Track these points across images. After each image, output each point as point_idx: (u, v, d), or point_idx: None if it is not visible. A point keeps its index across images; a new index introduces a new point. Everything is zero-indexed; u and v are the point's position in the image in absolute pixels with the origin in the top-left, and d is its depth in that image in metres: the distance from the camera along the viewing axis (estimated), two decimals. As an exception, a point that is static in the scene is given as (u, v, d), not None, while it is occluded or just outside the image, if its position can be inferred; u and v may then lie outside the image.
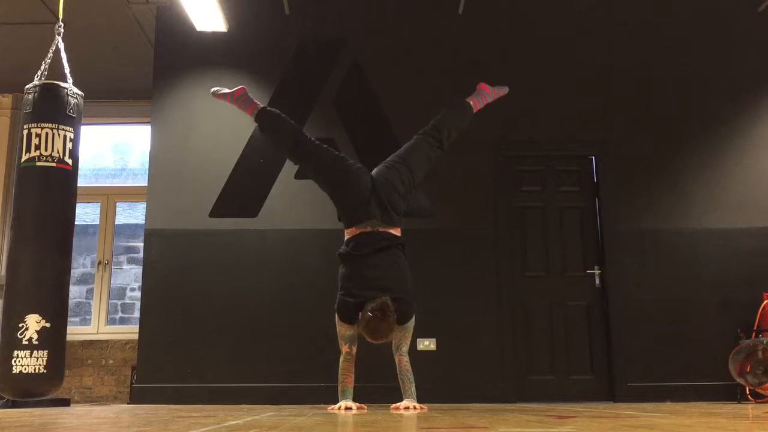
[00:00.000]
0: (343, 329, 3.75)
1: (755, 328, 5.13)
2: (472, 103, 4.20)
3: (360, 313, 3.60)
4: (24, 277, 4.57)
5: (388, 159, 4.07)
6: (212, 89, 4.31)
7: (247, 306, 5.31)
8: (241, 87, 4.19)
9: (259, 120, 4.12)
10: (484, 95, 4.25)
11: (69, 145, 4.73)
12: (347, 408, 3.65)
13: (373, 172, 3.98)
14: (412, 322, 3.76)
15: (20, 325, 4.46)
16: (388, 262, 3.72)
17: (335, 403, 3.76)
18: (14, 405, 4.42)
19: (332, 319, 3.80)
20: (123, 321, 7.84)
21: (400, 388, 3.74)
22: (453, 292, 5.31)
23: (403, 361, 3.74)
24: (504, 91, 4.34)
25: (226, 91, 4.21)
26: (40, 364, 4.45)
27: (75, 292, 7.36)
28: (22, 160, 4.67)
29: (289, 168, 5.54)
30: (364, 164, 5.43)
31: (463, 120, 4.18)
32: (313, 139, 4.07)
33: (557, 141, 5.64)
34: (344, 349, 3.77)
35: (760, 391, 4.88)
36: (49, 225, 4.63)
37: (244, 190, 5.52)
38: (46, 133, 4.66)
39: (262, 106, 4.14)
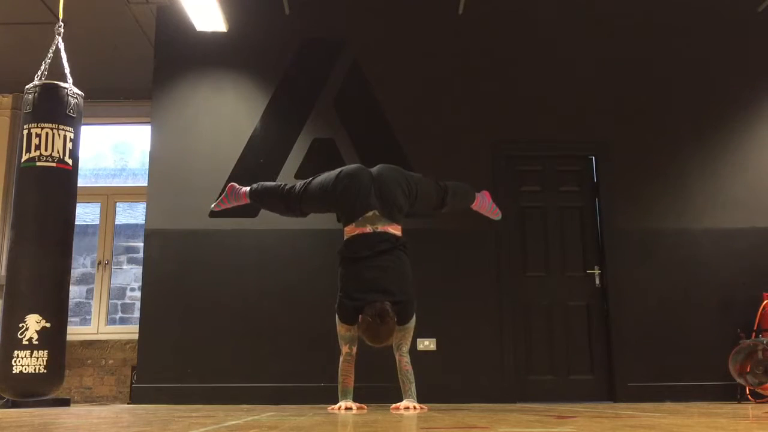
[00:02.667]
0: (343, 330, 3.75)
1: (755, 328, 5.13)
2: (476, 197, 4.37)
3: (360, 316, 3.60)
4: (24, 277, 4.57)
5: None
6: (211, 208, 4.42)
7: (247, 306, 5.31)
8: (229, 185, 4.32)
9: (253, 201, 4.24)
10: (485, 201, 4.43)
11: (69, 145, 4.73)
12: (347, 408, 3.65)
13: (375, 168, 3.98)
14: (412, 322, 3.76)
15: (20, 325, 4.47)
16: (388, 264, 3.69)
17: (335, 403, 3.76)
18: (14, 405, 4.42)
19: (332, 319, 3.80)
20: (123, 321, 7.84)
21: (401, 388, 3.74)
22: (453, 292, 5.30)
23: (403, 361, 3.74)
24: (497, 214, 4.51)
25: (220, 199, 4.33)
26: (40, 364, 4.45)
27: (75, 292, 7.35)
28: (22, 160, 4.68)
29: (289, 168, 5.55)
30: (363, 163, 5.46)
31: (463, 202, 4.35)
32: (296, 187, 4.05)
33: (557, 141, 5.64)
34: (344, 349, 3.77)
35: (760, 391, 4.88)
36: (49, 225, 4.63)
37: (244, 190, 5.51)
38: (46, 133, 4.66)
39: (247, 189, 4.23)
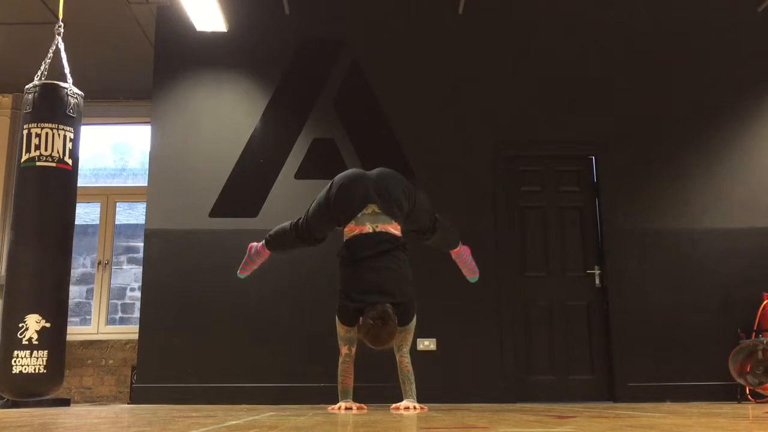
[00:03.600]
0: (342, 331, 3.74)
1: (755, 328, 5.13)
2: (460, 246, 4.36)
3: (361, 318, 3.58)
4: (24, 277, 4.57)
5: None
6: (238, 274, 4.38)
7: (247, 306, 5.31)
8: (249, 246, 4.34)
9: (271, 250, 4.26)
10: (466, 253, 4.42)
11: (69, 145, 4.73)
12: (347, 408, 3.65)
13: (373, 170, 3.97)
14: (413, 323, 3.74)
15: (20, 325, 4.46)
16: (388, 265, 3.67)
17: (335, 403, 3.76)
18: (14, 405, 4.42)
19: (332, 319, 3.79)
20: (123, 321, 7.85)
21: (401, 388, 3.74)
22: (453, 292, 5.29)
23: (404, 361, 3.73)
24: (474, 273, 4.49)
25: (243, 262, 4.33)
26: (40, 364, 4.45)
27: (75, 292, 7.36)
28: (22, 160, 4.67)
29: (289, 168, 5.55)
30: (364, 165, 5.47)
31: (449, 239, 4.30)
32: (302, 216, 4.06)
33: (557, 141, 5.64)
34: (343, 350, 3.76)
35: (760, 391, 4.88)
36: (49, 225, 4.63)
37: (244, 190, 5.52)
38: (46, 133, 4.66)
39: (263, 242, 4.26)
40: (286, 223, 4.15)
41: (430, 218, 4.10)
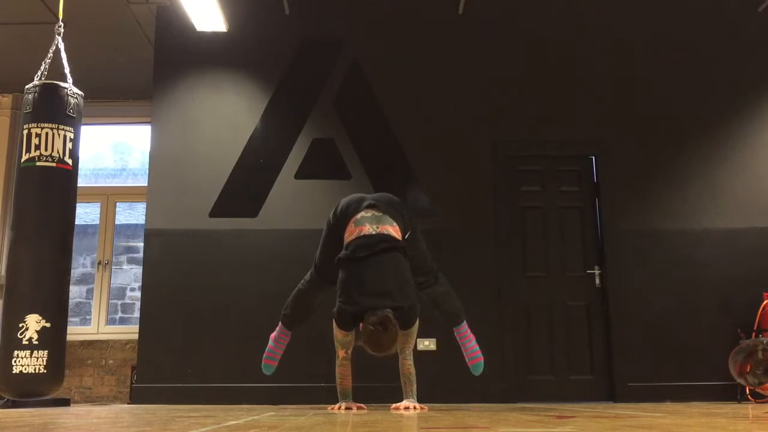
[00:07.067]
0: (340, 335, 3.71)
1: (755, 328, 5.13)
2: (464, 321, 4.33)
3: (360, 324, 3.55)
4: (24, 277, 4.57)
5: None
6: (263, 370, 4.38)
7: (247, 306, 5.31)
8: (270, 337, 4.38)
9: (289, 325, 4.31)
10: (472, 337, 4.36)
11: (69, 145, 4.73)
12: (347, 408, 3.65)
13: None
14: (415, 327, 3.71)
15: (20, 325, 4.46)
16: (388, 266, 3.64)
17: (335, 403, 3.75)
18: (14, 405, 4.42)
19: (332, 320, 3.78)
20: (123, 321, 7.84)
21: (402, 389, 3.73)
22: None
23: (406, 363, 3.72)
24: (477, 360, 4.38)
25: (267, 350, 4.37)
26: (40, 364, 4.45)
27: (75, 292, 7.35)
28: (22, 160, 4.67)
29: (289, 168, 5.55)
30: (364, 165, 5.52)
31: (451, 306, 4.27)
32: (312, 268, 4.12)
33: (557, 141, 5.64)
34: (340, 353, 3.75)
35: (760, 391, 4.88)
36: (49, 225, 4.63)
37: (244, 190, 5.52)
38: (46, 133, 4.66)
39: (279, 324, 4.33)
40: (297, 288, 4.22)
41: (431, 259, 4.12)
